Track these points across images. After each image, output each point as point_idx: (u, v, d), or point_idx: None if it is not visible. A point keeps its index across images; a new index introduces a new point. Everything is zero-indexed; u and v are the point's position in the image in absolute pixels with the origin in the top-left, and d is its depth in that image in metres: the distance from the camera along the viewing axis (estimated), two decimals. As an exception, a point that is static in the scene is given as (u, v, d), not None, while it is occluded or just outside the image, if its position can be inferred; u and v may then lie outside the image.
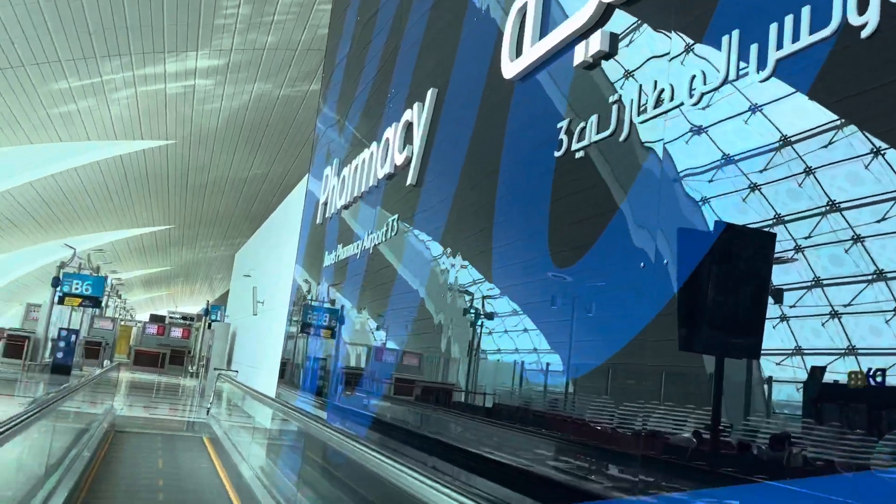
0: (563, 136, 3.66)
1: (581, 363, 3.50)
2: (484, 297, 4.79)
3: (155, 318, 51.23)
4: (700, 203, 2.74)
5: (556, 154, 3.69)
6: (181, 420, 15.93)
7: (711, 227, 2.69)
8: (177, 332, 40.79)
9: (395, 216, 6.57)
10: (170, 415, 16.95)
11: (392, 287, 6.96)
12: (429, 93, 6.01)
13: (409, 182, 6.17)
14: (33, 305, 34.30)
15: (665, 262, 2.77)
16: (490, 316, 4.71)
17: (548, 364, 3.97)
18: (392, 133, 6.84)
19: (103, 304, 41.85)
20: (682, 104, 2.81)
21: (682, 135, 2.83)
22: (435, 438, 5.59)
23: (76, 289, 26.75)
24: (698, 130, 2.74)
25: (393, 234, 6.56)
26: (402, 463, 3.97)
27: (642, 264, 2.88)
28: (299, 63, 22.12)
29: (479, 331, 4.84)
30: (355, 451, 4.75)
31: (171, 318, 53.28)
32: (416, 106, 6.26)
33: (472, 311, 4.98)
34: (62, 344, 25.86)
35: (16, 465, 6.08)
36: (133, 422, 13.68)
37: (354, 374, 8.03)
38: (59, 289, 26.81)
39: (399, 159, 6.53)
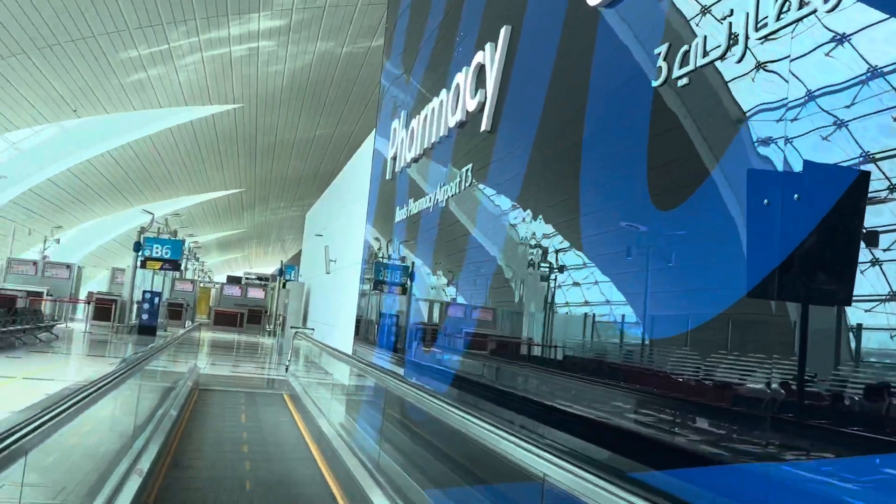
0: (661, 62, 3.27)
1: (691, 314, 3.17)
2: (558, 251, 4.49)
3: (232, 280, 52.79)
4: (833, 129, 2.35)
5: (655, 84, 3.31)
6: (261, 377, 16.32)
7: (844, 159, 2.30)
8: (253, 293, 41.93)
9: (469, 166, 6.28)
10: (250, 373, 17.39)
11: (464, 241, 6.73)
12: (502, 31, 5.63)
13: (483, 128, 5.85)
14: (118, 270, 35.82)
15: (795, 197, 2.40)
16: (562, 269, 4.44)
17: (643, 315, 3.66)
18: (463, 78, 6.50)
19: (182, 267, 43.38)
20: (814, 11, 2.39)
21: (815, 48, 2.42)
22: (510, 392, 5.43)
23: (156, 252, 27.66)
24: (840, 39, 2.32)
25: (466, 185, 6.28)
26: (478, 416, 3.80)
27: (766, 201, 2.51)
28: (360, 19, 21.77)
29: (555, 283, 4.58)
30: (432, 406, 4.60)
31: (247, 278, 54.81)
32: (487, 47, 5.89)
33: (547, 263, 4.72)
34: (146, 306, 26.93)
35: (109, 422, 6.21)
36: (216, 380, 14.06)
37: (427, 330, 7.89)
38: (140, 253, 27.80)
39: (471, 105, 6.20)
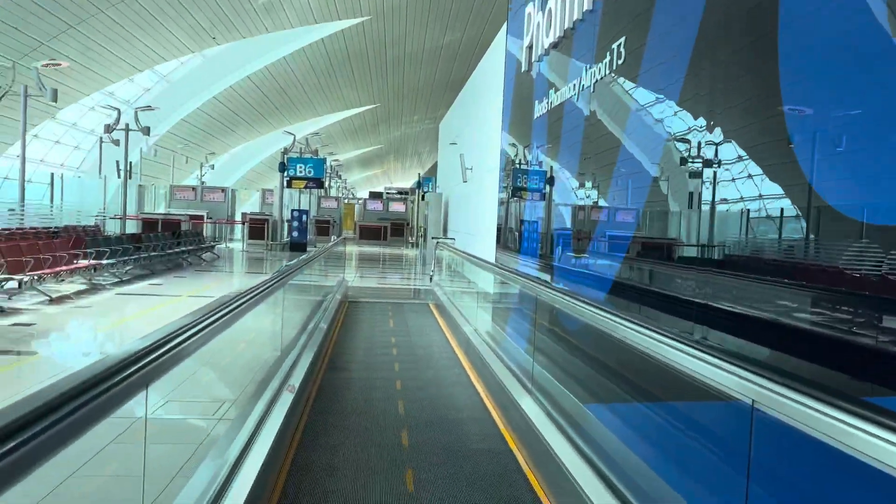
0: None
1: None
2: (711, 143, 3.73)
3: (374, 195, 54.12)
4: None
5: None
6: (407, 288, 16.52)
7: None
8: (394, 207, 42.74)
9: (622, 40, 5.45)
10: (396, 283, 17.66)
11: (607, 141, 6.01)
12: None
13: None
14: (267, 191, 37.56)
15: None
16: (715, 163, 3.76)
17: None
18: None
19: (326, 185, 44.93)
20: None
21: None
22: (663, 293, 4.87)
23: (300, 172, 28.53)
24: None
25: (619, 62, 5.48)
26: (632, 321, 3.28)
27: None
28: None
29: (711, 179, 3.96)
30: (596, 317, 4.09)
31: (387, 193, 56.03)
32: None
33: (699, 158, 4.09)
34: (295, 223, 28.09)
35: (261, 334, 6.28)
36: (364, 292, 14.33)
37: (574, 235, 7.31)
38: (285, 173, 28.83)
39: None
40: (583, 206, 7.14)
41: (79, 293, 12.27)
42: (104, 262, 13.40)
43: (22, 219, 22.62)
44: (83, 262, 12.83)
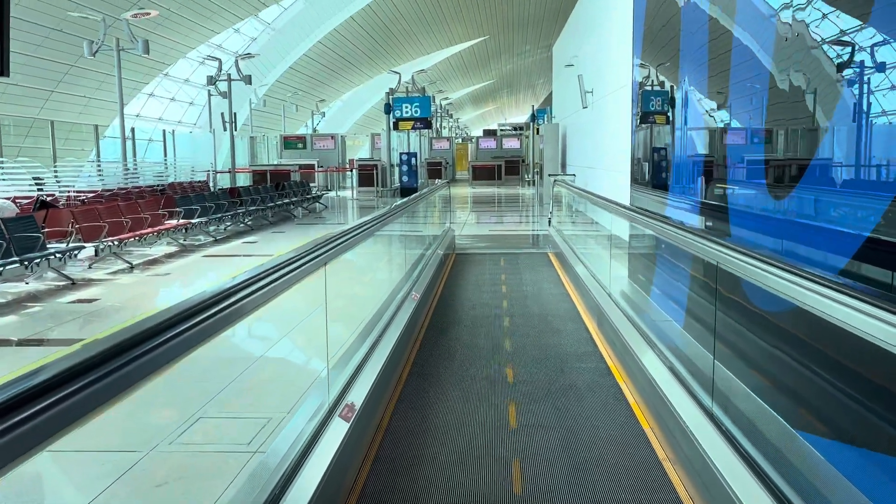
0: None
1: None
2: None
3: (487, 133, 52.05)
4: None
5: None
6: (523, 234, 14.69)
7: None
8: (509, 144, 40.54)
9: None
10: (511, 230, 15.87)
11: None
12: None
13: None
14: (376, 135, 36.38)
15: None
16: None
17: None
18: None
19: (437, 126, 43.28)
20: None
21: None
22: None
23: (406, 112, 27.00)
24: None
25: None
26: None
27: None
28: None
29: None
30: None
31: (501, 130, 53.75)
32: None
33: None
34: (405, 168, 26.73)
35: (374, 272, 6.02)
36: (475, 240, 12.69)
37: (765, 167, 5.22)
38: (391, 115, 27.39)
39: None
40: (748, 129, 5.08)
41: (169, 255, 11.42)
42: (194, 220, 12.49)
43: (137, 178, 22.62)
44: (170, 223, 11.94)
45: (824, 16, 4.71)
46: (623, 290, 6.66)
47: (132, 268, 9.99)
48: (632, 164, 6.97)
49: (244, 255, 11.54)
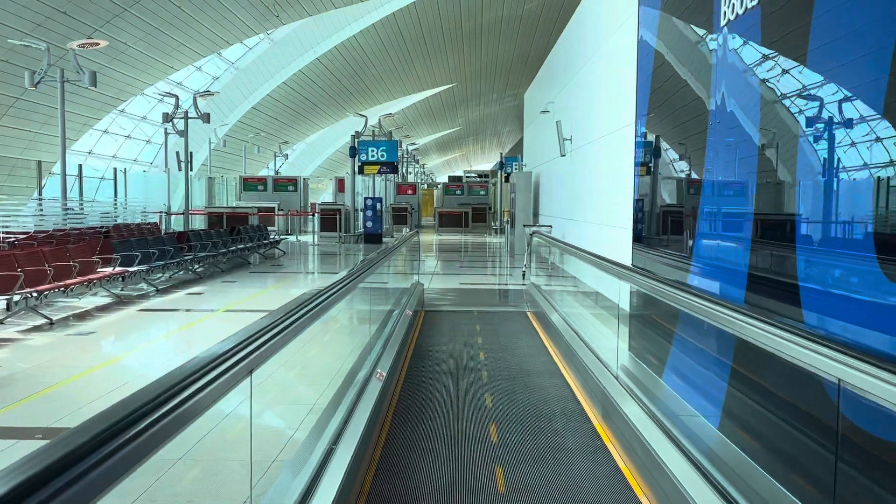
0: None
1: None
2: None
3: (453, 179, 51.53)
4: None
5: None
6: (497, 289, 13.66)
7: None
8: (475, 190, 39.91)
9: None
10: (483, 282, 14.84)
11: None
12: None
13: None
14: (340, 179, 35.39)
15: None
16: None
17: None
18: None
19: (403, 171, 42.47)
20: None
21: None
22: None
23: (372, 156, 26.12)
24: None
25: None
26: None
27: None
28: None
29: None
30: None
31: (467, 177, 53.30)
32: None
33: None
34: (369, 213, 25.67)
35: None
36: (443, 297, 11.63)
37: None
38: (356, 158, 26.43)
39: None
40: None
41: (101, 309, 10.07)
42: (133, 269, 11.17)
43: (81, 218, 21.09)
44: (104, 271, 10.62)
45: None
46: (636, 374, 5.62)
47: (52, 324, 8.64)
48: (639, 218, 5.97)
49: (185, 310, 10.23)
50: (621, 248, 7.08)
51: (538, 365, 6.81)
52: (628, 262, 6.16)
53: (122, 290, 11.67)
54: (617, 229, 7.93)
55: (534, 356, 7.19)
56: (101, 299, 10.79)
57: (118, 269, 10.88)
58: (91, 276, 10.00)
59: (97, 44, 15.47)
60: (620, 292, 5.40)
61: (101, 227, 17.80)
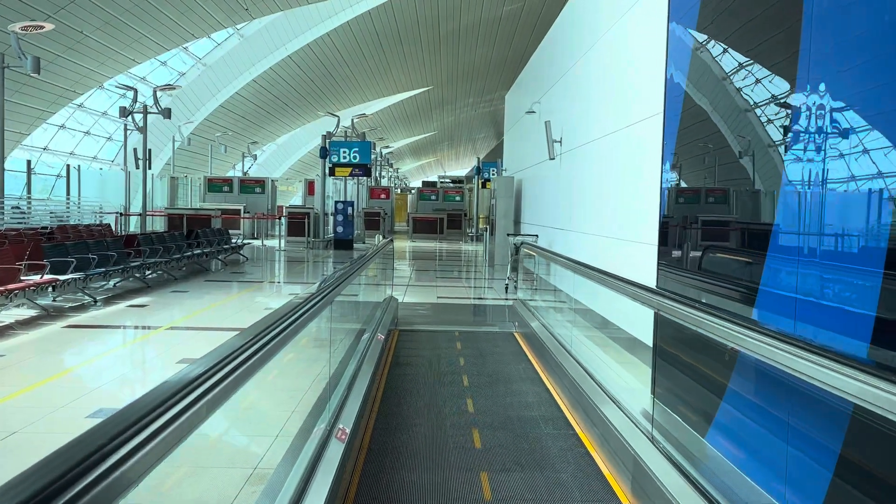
0: None
1: None
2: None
3: (427, 184, 50.36)
4: None
5: None
6: (478, 304, 12.48)
7: None
8: (450, 196, 38.78)
9: None
10: (463, 296, 13.65)
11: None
12: None
13: None
14: (311, 181, 34.03)
15: None
16: None
17: None
18: None
19: (377, 174, 41.16)
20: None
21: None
22: None
23: (344, 157, 24.82)
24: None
25: None
26: None
27: None
28: None
29: None
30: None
31: (442, 182, 52.22)
32: None
33: None
34: (340, 217, 24.38)
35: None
36: (417, 316, 10.43)
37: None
38: (327, 160, 25.12)
39: None
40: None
41: (24, 323, 8.67)
42: (65, 277, 9.78)
43: (24, 218, 19.49)
44: (29, 279, 9.21)
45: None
46: (643, 408, 4.50)
47: (-47, 344, 7.25)
48: (666, 232, 4.82)
49: (116, 326, 8.86)
50: (638, 266, 5.94)
51: (538, 410, 5.64)
52: (652, 284, 5.01)
53: (54, 300, 10.27)
54: (630, 243, 6.79)
55: (536, 405, 6.01)
56: (28, 311, 9.39)
57: (47, 277, 9.48)
58: (11, 286, 8.59)
59: (42, 27, 14.02)
60: (657, 329, 4.23)
61: (44, 228, 16.27)
